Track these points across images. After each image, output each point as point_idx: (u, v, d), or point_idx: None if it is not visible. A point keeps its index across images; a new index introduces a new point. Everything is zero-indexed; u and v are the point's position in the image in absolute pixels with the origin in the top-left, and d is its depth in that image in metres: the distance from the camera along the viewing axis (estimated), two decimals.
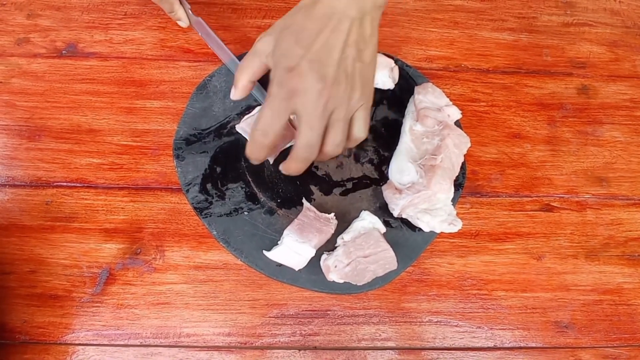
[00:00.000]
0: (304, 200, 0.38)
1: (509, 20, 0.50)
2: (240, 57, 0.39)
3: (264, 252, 0.36)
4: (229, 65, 0.40)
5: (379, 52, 0.38)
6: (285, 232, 0.36)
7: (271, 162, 0.39)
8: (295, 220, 0.36)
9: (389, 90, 0.42)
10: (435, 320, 0.38)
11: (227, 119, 0.41)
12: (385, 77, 0.41)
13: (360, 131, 0.33)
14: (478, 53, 0.48)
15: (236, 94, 0.34)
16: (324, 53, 0.29)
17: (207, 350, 0.36)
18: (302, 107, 0.29)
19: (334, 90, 0.29)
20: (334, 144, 0.32)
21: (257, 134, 0.31)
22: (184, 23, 0.36)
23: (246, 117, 0.40)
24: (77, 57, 0.44)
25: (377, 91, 0.42)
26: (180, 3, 0.36)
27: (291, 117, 0.31)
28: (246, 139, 0.40)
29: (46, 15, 0.45)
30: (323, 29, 0.29)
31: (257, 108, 0.40)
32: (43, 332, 0.36)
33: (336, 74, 0.29)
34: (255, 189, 0.40)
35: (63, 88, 0.43)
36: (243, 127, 0.39)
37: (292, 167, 0.32)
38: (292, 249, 0.35)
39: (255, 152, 0.32)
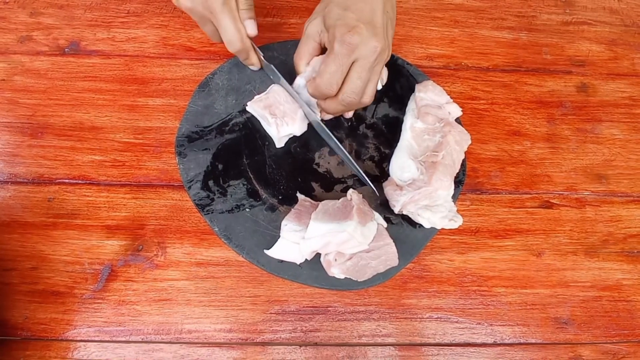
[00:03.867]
0: (298, 194, 0.39)
1: (508, 19, 0.50)
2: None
3: (265, 251, 0.36)
4: (302, 106, 0.40)
5: None
6: (283, 223, 0.36)
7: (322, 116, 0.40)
8: (292, 210, 0.37)
9: (380, 89, 0.43)
10: (436, 317, 0.38)
11: (229, 117, 0.42)
12: None
13: (378, 85, 0.39)
14: (478, 51, 0.48)
15: (301, 76, 0.39)
16: (373, 16, 0.35)
17: (208, 346, 0.37)
18: (360, 58, 0.34)
19: (382, 48, 0.35)
20: (370, 94, 0.37)
21: (323, 87, 0.35)
22: (256, 67, 0.41)
23: (256, 97, 0.40)
24: (79, 55, 0.44)
25: None
26: (254, 50, 0.40)
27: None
28: (256, 118, 0.42)
29: (49, 14, 0.46)
30: None
31: (271, 87, 0.40)
32: (44, 328, 0.36)
33: (382, 34, 0.35)
34: (256, 185, 0.40)
35: (65, 86, 0.43)
36: (254, 107, 0.40)
37: (332, 107, 0.37)
38: (291, 239, 0.35)
39: (319, 98, 0.37)
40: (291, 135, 0.41)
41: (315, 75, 0.36)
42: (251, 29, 0.37)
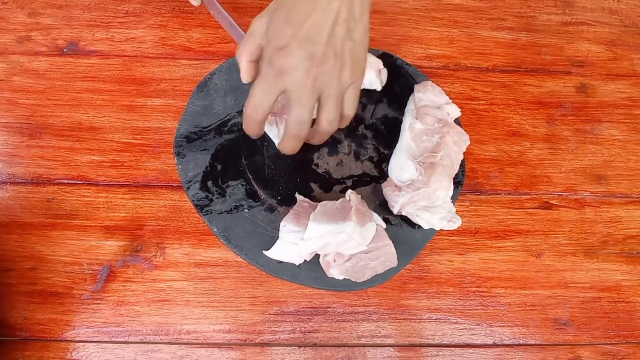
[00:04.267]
0: (297, 195, 0.39)
1: (508, 19, 0.50)
2: None
3: (264, 252, 0.36)
4: (239, 42, 0.40)
5: (370, 52, 0.39)
6: (282, 223, 0.36)
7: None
8: (291, 211, 0.37)
9: (379, 89, 0.43)
10: (435, 318, 0.38)
11: (228, 117, 0.42)
12: (373, 78, 0.41)
13: (349, 109, 0.33)
14: (477, 52, 0.48)
15: (243, 75, 0.35)
16: (314, 32, 0.30)
17: (207, 347, 0.37)
18: (291, 85, 0.30)
19: (323, 67, 0.30)
20: (327, 121, 0.32)
21: (248, 110, 0.32)
22: (195, 2, 0.38)
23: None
24: (78, 55, 0.44)
25: (368, 91, 0.42)
26: None
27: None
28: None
29: (48, 14, 0.45)
30: (313, 9, 0.30)
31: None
32: (43, 328, 0.36)
33: (325, 51, 0.30)
34: (255, 186, 0.40)
35: (64, 86, 0.43)
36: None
37: (286, 145, 0.33)
38: (289, 240, 0.35)
39: (250, 128, 0.34)
40: None
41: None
42: None
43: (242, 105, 0.41)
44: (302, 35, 0.30)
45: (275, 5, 0.32)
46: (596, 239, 0.42)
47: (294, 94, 0.31)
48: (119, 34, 0.45)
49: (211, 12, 0.39)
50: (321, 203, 0.37)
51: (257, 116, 0.32)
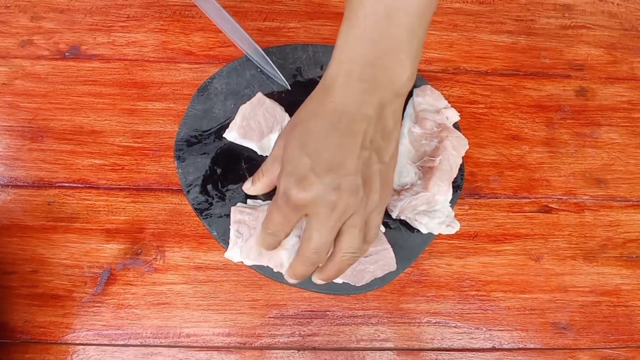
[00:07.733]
0: None
1: (507, 23, 0.50)
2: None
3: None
4: (229, 34, 0.37)
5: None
6: None
7: None
8: None
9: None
10: (434, 321, 0.38)
11: (228, 121, 0.42)
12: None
13: (372, 235, 0.29)
14: (477, 55, 0.48)
15: (250, 189, 0.35)
16: (336, 160, 0.26)
17: (206, 350, 0.37)
18: (312, 216, 0.28)
19: (350, 199, 0.26)
20: (350, 251, 0.29)
21: (267, 236, 0.30)
22: None
23: (230, 126, 0.39)
24: (79, 59, 0.44)
25: None
26: None
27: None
28: (238, 145, 0.40)
29: (49, 18, 0.46)
30: (332, 130, 0.26)
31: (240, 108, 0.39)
32: (44, 331, 0.36)
33: (352, 182, 0.26)
34: None
35: (66, 90, 0.43)
36: (232, 136, 0.39)
37: (297, 268, 0.30)
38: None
39: (265, 246, 0.32)
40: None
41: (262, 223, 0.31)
42: None
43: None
44: (322, 165, 0.26)
45: (292, 121, 0.29)
46: (596, 242, 0.42)
47: (314, 224, 0.27)
48: (120, 38, 0.45)
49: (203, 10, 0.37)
50: None
51: (278, 239, 0.30)
